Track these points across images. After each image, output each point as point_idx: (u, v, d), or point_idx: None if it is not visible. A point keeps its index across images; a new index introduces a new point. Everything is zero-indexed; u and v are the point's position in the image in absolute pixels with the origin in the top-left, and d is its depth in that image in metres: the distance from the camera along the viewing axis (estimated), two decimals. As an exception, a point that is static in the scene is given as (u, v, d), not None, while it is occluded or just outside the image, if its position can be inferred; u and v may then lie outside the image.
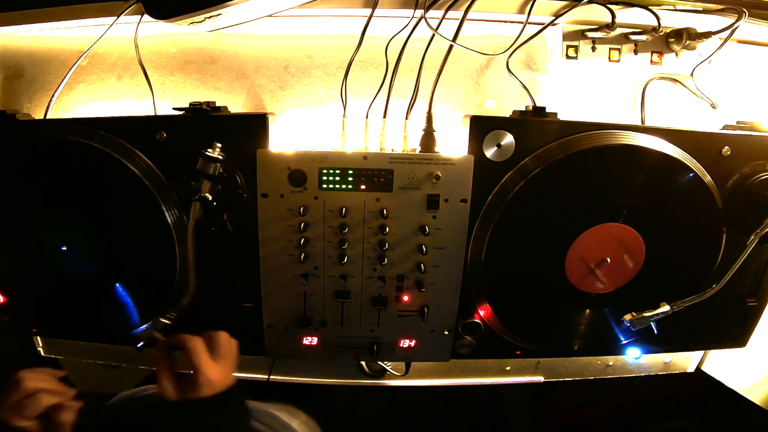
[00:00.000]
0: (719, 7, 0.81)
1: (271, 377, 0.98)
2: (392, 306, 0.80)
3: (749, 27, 0.84)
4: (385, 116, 0.81)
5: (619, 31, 0.82)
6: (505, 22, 0.83)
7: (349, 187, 0.73)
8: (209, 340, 0.67)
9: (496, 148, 0.74)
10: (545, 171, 0.73)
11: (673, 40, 0.83)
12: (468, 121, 0.74)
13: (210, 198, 0.69)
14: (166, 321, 0.71)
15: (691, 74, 0.85)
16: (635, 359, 0.98)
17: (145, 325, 0.81)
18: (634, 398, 1.28)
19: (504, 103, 0.87)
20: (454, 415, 1.38)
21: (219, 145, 0.68)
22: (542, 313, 0.84)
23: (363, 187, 0.73)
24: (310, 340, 0.82)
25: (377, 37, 0.83)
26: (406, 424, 1.38)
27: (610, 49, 0.83)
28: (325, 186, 0.73)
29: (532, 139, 0.74)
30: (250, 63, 0.85)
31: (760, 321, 0.90)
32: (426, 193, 0.74)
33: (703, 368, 1.06)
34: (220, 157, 0.68)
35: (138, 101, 0.87)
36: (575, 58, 0.83)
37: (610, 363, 1.04)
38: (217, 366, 0.65)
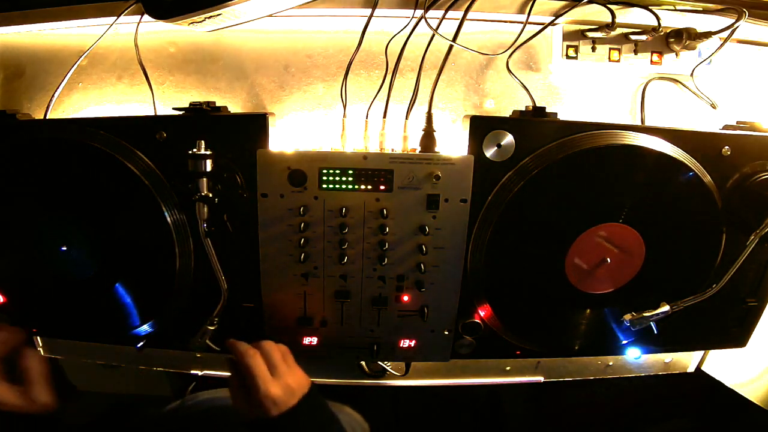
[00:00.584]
0: (719, 7, 0.81)
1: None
2: (392, 306, 0.80)
3: (749, 27, 0.84)
4: (385, 116, 0.81)
5: (619, 31, 0.82)
6: (505, 22, 0.83)
7: (349, 187, 0.73)
8: (264, 354, 0.65)
9: (496, 148, 0.74)
10: (545, 171, 0.73)
11: (673, 40, 0.83)
12: (468, 121, 0.74)
13: (211, 195, 0.69)
14: (213, 327, 0.73)
15: (691, 74, 0.85)
16: (635, 359, 0.98)
17: (143, 327, 0.81)
18: (634, 398, 1.28)
19: (504, 103, 0.87)
20: (454, 415, 1.38)
21: (203, 141, 0.69)
22: (542, 313, 0.84)
23: (363, 187, 0.73)
24: (310, 340, 0.82)
25: (377, 37, 0.83)
26: (406, 424, 1.38)
27: (610, 49, 0.83)
28: (325, 186, 0.73)
29: (532, 139, 0.74)
30: (250, 63, 0.85)
31: (760, 321, 0.90)
32: (426, 193, 0.74)
33: (703, 368, 1.06)
34: (208, 152, 0.69)
35: (138, 101, 0.87)
36: (575, 58, 0.83)
37: (610, 363, 1.04)
38: (278, 382, 0.63)
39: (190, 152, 0.69)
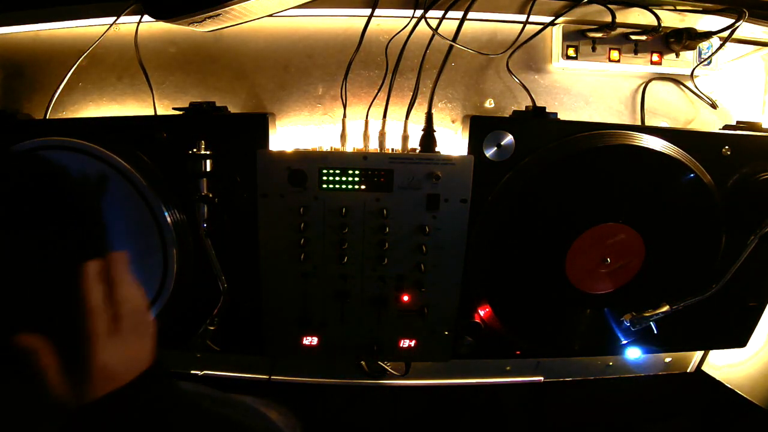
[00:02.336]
0: (719, 7, 0.81)
1: (271, 377, 0.98)
2: (392, 306, 0.80)
3: (749, 27, 0.84)
4: (385, 116, 0.81)
5: (619, 31, 0.82)
6: (505, 22, 0.83)
7: (349, 187, 0.73)
8: (111, 286, 0.46)
9: (496, 148, 0.74)
10: (545, 171, 0.73)
11: (673, 40, 0.83)
12: (468, 121, 0.74)
13: (211, 195, 0.69)
14: (213, 327, 0.72)
15: (691, 74, 0.85)
16: (635, 359, 0.98)
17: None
18: (634, 398, 1.28)
19: (504, 103, 0.87)
20: (454, 415, 1.38)
21: (203, 141, 0.69)
22: (542, 313, 0.84)
23: (363, 187, 0.73)
24: (310, 340, 0.82)
25: (377, 37, 0.83)
26: (406, 424, 1.38)
27: (610, 49, 0.83)
28: (325, 186, 0.73)
29: (532, 139, 0.74)
30: (250, 63, 0.85)
31: (760, 321, 0.90)
32: (426, 193, 0.74)
33: (703, 368, 1.06)
34: (208, 152, 0.69)
35: (138, 101, 0.87)
36: (575, 58, 0.83)
37: (610, 363, 1.04)
38: (115, 342, 0.44)
39: (190, 152, 0.70)
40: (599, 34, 0.81)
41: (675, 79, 0.88)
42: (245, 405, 0.80)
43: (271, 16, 0.80)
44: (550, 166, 0.73)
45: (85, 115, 0.87)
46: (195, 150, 0.70)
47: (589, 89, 0.88)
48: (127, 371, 0.44)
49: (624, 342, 0.86)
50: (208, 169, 0.71)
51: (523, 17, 0.80)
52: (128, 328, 0.46)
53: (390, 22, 0.82)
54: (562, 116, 0.77)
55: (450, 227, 0.75)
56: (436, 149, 0.78)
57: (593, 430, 1.30)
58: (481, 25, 0.84)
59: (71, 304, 0.44)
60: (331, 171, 0.73)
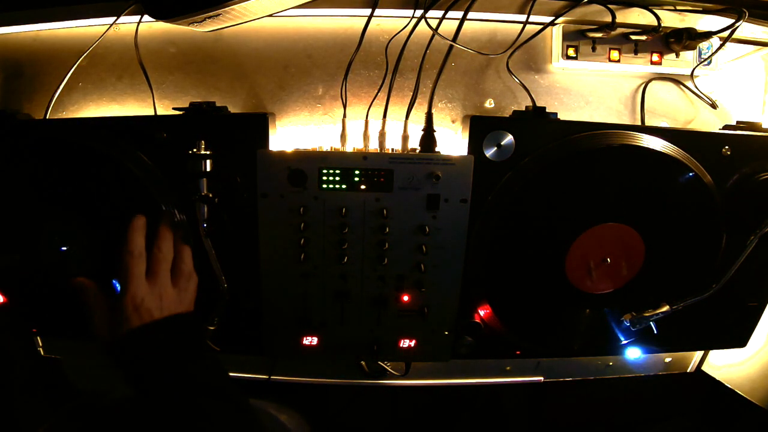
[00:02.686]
0: (719, 7, 0.81)
1: (271, 377, 0.98)
2: (392, 306, 0.80)
3: (749, 27, 0.84)
4: (385, 116, 0.81)
5: (619, 31, 0.82)
6: (505, 22, 0.83)
7: (349, 187, 0.73)
8: (156, 252, 0.55)
9: (496, 148, 0.74)
10: (545, 171, 0.73)
11: (673, 40, 0.83)
12: (468, 121, 0.74)
13: (211, 195, 0.69)
14: (213, 327, 0.72)
15: (691, 74, 0.85)
16: (635, 359, 0.98)
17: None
18: (635, 398, 1.28)
19: (504, 103, 0.87)
20: (454, 415, 1.38)
21: (203, 141, 0.69)
22: (542, 313, 0.84)
23: (363, 187, 0.73)
24: (310, 340, 0.82)
25: (377, 37, 0.83)
26: (405, 424, 1.37)
27: (610, 49, 0.83)
28: (325, 186, 0.73)
29: (532, 139, 0.74)
30: (250, 63, 0.85)
31: (760, 321, 0.90)
32: (426, 193, 0.74)
33: (703, 368, 1.06)
34: (208, 152, 0.69)
35: (138, 101, 0.87)
36: (575, 58, 0.83)
37: (610, 363, 1.04)
38: (153, 289, 0.53)
39: (190, 152, 0.70)
40: (599, 34, 0.81)
41: (675, 79, 0.88)
42: (255, 407, 0.80)
43: (271, 16, 0.80)
44: (550, 166, 0.73)
45: (85, 115, 0.87)
46: (195, 150, 0.70)
47: (589, 89, 0.88)
48: (161, 312, 0.51)
49: (624, 342, 0.86)
50: (208, 169, 0.71)
51: (523, 17, 0.80)
52: (164, 275, 0.54)
53: (390, 22, 0.82)
54: (562, 116, 0.77)
55: (450, 227, 0.75)
56: (436, 149, 0.78)
57: (593, 430, 1.30)
58: (481, 25, 0.84)
59: (118, 250, 0.53)
60: (331, 171, 0.73)
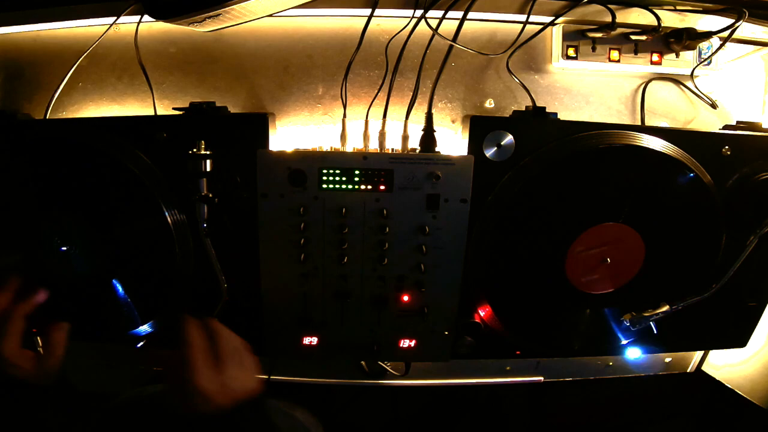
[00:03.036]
0: (719, 7, 0.81)
1: (271, 377, 0.98)
2: (392, 306, 0.79)
3: (749, 27, 0.84)
4: (385, 116, 0.81)
5: (619, 31, 0.82)
6: (505, 22, 0.83)
7: (349, 187, 0.73)
8: (211, 342, 0.57)
9: (496, 148, 0.74)
10: (545, 171, 0.73)
11: (673, 40, 0.83)
12: (468, 121, 0.74)
13: (211, 195, 0.69)
14: None
15: (691, 74, 0.85)
16: (635, 359, 0.98)
17: (143, 327, 0.81)
18: (634, 398, 1.28)
19: (504, 103, 0.87)
20: (454, 415, 1.38)
21: (203, 141, 0.69)
22: (542, 313, 0.84)
23: (363, 187, 0.73)
24: (310, 340, 0.82)
25: (377, 37, 0.83)
26: (406, 424, 1.37)
27: (610, 49, 0.83)
28: (325, 186, 0.73)
29: (532, 139, 0.74)
30: (250, 63, 0.85)
31: (760, 321, 0.90)
32: (426, 193, 0.74)
33: (703, 368, 1.06)
34: (208, 152, 0.69)
35: (138, 101, 0.87)
36: (575, 58, 0.83)
37: (610, 363, 1.04)
38: (215, 376, 0.54)
39: (190, 152, 0.70)
40: (599, 34, 0.81)
41: (675, 79, 0.88)
42: (272, 406, 0.80)
43: (271, 16, 0.80)
44: (550, 166, 0.73)
45: (85, 115, 0.87)
46: (195, 150, 0.70)
47: (589, 89, 0.88)
48: (226, 396, 0.54)
49: (624, 342, 0.86)
50: (208, 169, 0.71)
51: (523, 17, 0.80)
52: (225, 364, 0.56)
53: (390, 22, 0.82)
54: (562, 116, 0.77)
55: (450, 227, 0.75)
56: (436, 149, 0.78)
57: (593, 430, 1.30)
58: (481, 25, 0.84)
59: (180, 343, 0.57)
60: (331, 171, 0.73)
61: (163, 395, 0.60)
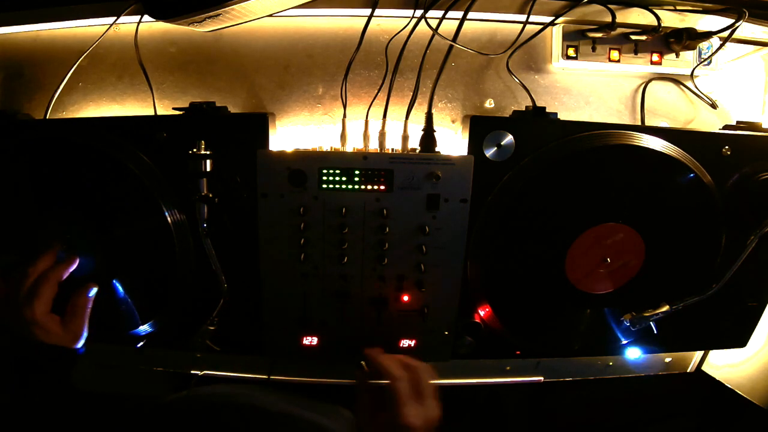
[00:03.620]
0: (719, 7, 0.81)
1: (271, 377, 0.98)
2: (392, 306, 0.80)
3: (749, 27, 0.84)
4: (385, 116, 0.81)
5: (619, 31, 0.82)
6: (505, 22, 0.83)
7: (349, 187, 0.73)
8: (412, 376, 0.60)
9: (496, 148, 0.74)
10: (545, 171, 0.73)
11: (673, 40, 0.83)
12: (468, 121, 0.74)
13: (211, 195, 0.69)
14: (213, 328, 0.72)
15: (691, 74, 0.85)
16: (635, 359, 0.98)
17: (143, 327, 0.81)
18: (634, 398, 1.28)
19: (504, 103, 0.87)
20: (454, 415, 1.38)
21: (203, 141, 0.69)
22: (542, 313, 0.84)
23: (363, 187, 0.73)
24: (310, 340, 0.82)
25: (377, 37, 0.83)
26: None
27: (610, 49, 0.83)
28: (325, 186, 0.73)
29: (532, 139, 0.74)
30: (250, 63, 0.85)
31: (760, 321, 0.90)
32: (426, 193, 0.74)
33: (703, 368, 1.06)
34: (208, 152, 0.69)
35: (138, 101, 0.87)
36: (575, 58, 0.83)
37: (610, 363, 1.04)
38: (422, 412, 0.57)
39: (190, 152, 0.70)
40: (599, 34, 0.81)
41: (675, 79, 0.88)
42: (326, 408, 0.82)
43: (271, 16, 0.80)
44: (550, 166, 0.73)
45: (85, 115, 0.87)
46: (195, 150, 0.70)
47: (589, 89, 0.88)
48: (428, 430, 0.57)
49: (624, 342, 0.86)
50: (208, 169, 0.71)
51: (523, 17, 0.80)
52: (426, 398, 0.59)
53: (390, 22, 0.82)
54: (562, 116, 0.77)
55: (450, 227, 0.75)
56: (436, 149, 0.78)
57: (593, 430, 1.30)
58: (481, 25, 0.84)
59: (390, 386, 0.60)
60: (331, 171, 0.73)
61: (360, 427, 0.62)
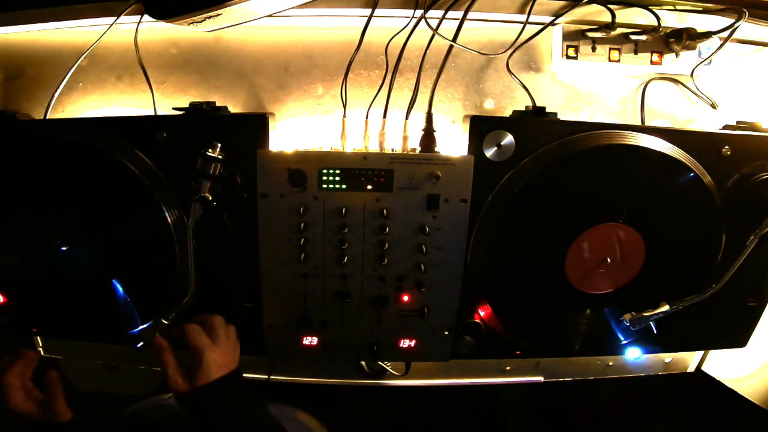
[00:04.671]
0: (719, 7, 0.81)
1: (271, 377, 0.98)
2: (392, 306, 0.80)
3: (749, 27, 0.84)
4: (385, 116, 0.81)
5: (619, 31, 0.82)
6: (505, 22, 0.83)
7: (349, 187, 0.73)
8: (204, 324, 0.68)
9: (496, 148, 0.74)
10: (545, 171, 0.73)
11: (673, 40, 0.83)
12: (468, 121, 0.74)
13: (210, 198, 0.69)
14: (167, 322, 0.71)
15: (691, 74, 0.85)
16: (635, 359, 0.98)
17: (145, 325, 0.81)
18: (634, 398, 1.28)
19: (504, 103, 0.87)
20: (454, 415, 1.38)
21: (219, 144, 0.69)
22: (542, 313, 0.84)
23: (363, 187, 0.73)
24: (310, 340, 0.82)
25: (377, 37, 0.83)
26: (405, 424, 1.38)
27: (610, 49, 0.83)
28: (324, 186, 0.73)
29: (532, 139, 0.74)
30: (250, 63, 0.85)
31: (760, 321, 0.90)
32: (426, 193, 0.74)
33: (703, 368, 1.06)
34: (220, 156, 0.69)
35: (138, 101, 0.87)
36: (575, 58, 0.83)
37: (610, 363, 1.04)
38: (218, 348, 0.66)
39: (205, 152, 0.68)
40: (599, 34, 0.81)
41: (675, 79, 0.88)
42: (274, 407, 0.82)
43: (271, 16, 0.80)
44: (550, 166, 0.73)
45: (85, 115, 0.87)
46: (210, 151, 0.69)
47: (589, 89, 0.88)
48: (219, 370, 0.65)
49: (624, 342, 0.86)
50: (216, 173, 0.70)
51: (523, 17, 0.80)
52: (221, 344, 0.68)
53: (390, 22, 0.81)
54: (562, 116, 0.77)
55: (450, 227, 0.75)
56: (436, 149, 0.78)
57: (593, 430, 1.30)
58: (481, 25, 0.84)
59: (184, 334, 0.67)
60: (331, 171, 0.73)
61: (169, 385, 0.66)
